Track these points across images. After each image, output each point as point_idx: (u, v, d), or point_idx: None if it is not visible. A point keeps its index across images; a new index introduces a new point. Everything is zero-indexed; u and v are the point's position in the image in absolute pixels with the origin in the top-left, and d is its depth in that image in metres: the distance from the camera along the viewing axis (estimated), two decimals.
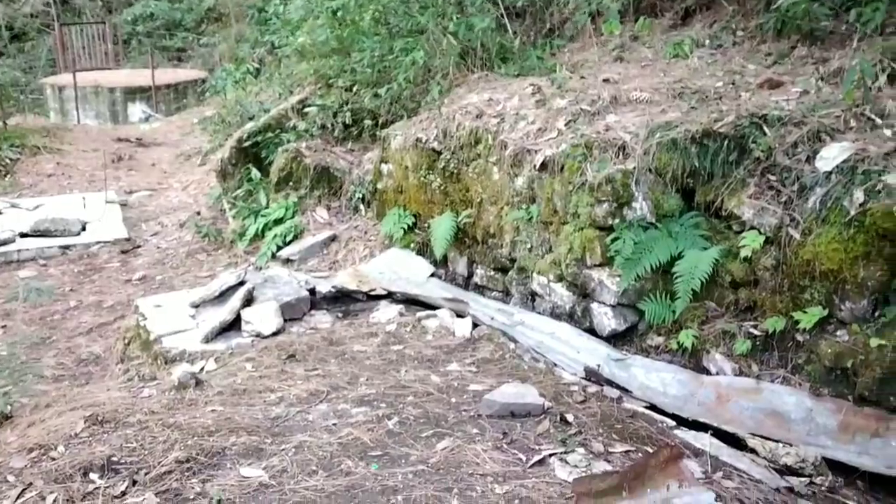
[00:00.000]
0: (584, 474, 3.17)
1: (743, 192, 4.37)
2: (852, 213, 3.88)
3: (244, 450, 3.51)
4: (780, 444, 3.55)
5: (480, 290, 5.92)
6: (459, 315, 5.29)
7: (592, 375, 4.29)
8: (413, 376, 4.34)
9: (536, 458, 3.34)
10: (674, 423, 3.74)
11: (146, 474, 3.33)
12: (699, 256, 4.37)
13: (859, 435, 3.66)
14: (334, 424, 3.74)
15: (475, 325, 5.10)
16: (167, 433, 3.68)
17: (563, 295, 5.03)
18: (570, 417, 3.70)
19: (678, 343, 4.44)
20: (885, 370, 3.74)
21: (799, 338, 4.11)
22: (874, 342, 3.78)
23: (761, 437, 3.65)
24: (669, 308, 4.54)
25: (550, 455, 3.37)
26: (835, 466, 3.52)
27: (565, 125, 5.22)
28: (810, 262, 4.02)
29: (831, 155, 4.15)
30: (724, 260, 4.38)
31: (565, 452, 3.39)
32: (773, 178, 4.31)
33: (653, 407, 3.98)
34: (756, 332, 4.24)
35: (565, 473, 3.22)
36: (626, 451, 3.44)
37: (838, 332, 3.99)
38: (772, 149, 4.34)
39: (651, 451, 3.41)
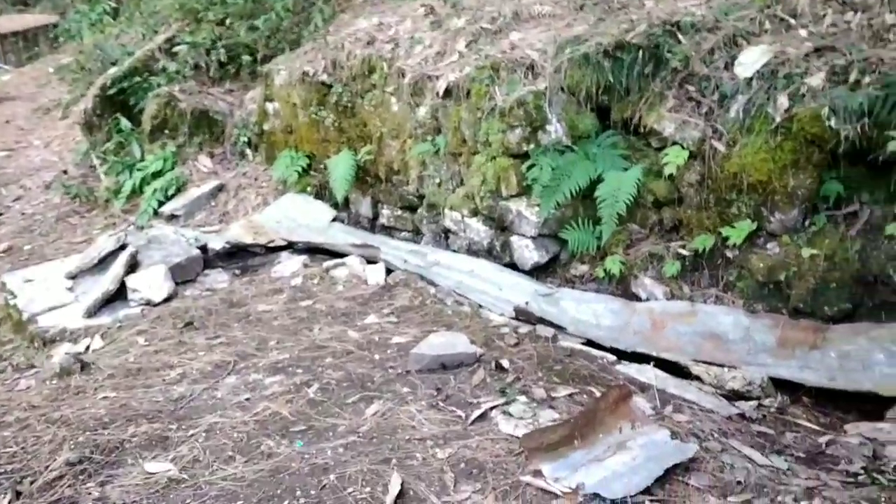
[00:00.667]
0: (532, 428, 2.91)
1: (662, 105, 4.13)
2: (778, 119, 3.70)
3: (146, 441, 3.07)
4: (726, 369, 3.41)
5: (388, 231, 5.55)
6: (370, 261, 4.91)
7: (522, 314, 4.03)
8: (328, 334, 3.97)
9: (476, 413, 3.06)
10: (614, 358, 3.53)
11: (32, 483, 2.85)
12: (621, 178, 4.13)
13: (798, 349, 3.56)
14: (247, 399, 3.34)
15: (389, 271, 4.75)
16: (53, 430, 3.18)
17: (479, 230, 4.72)
18: (505, 363, 3.42)
19: (605, 270, 4.23)
20: (818, 280, 3.63)
21: (729, 254, 3.96)
22: (806, 252, 3.66)
23: (705, 363, 3.49)
24: (593, 235, 4.32)
25: (491, 408, 3.08)
26: (780, 385, 3.41)
27: (466, 46, 4.84)
28: (737, 174, 3.84)
29: (750, 60, 3.95)
30: (645, 179, 4.16)
31: (506, 403, 3.11)
32: (691, 88, 4.09)
33: (590, 342, 3.76)
34: (685, 252, 4.07)
35: (510, 427, 2.95)
36: (570, 395, 3.20)
37: (769, 245, 3.86)
38: (688, 58, 4.10)
39: (597, 392, 3.19)
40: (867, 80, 3.55)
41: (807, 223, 3.77)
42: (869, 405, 3.29)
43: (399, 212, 5.43)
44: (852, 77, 3.59)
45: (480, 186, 4.56)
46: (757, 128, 3.78)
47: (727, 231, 3.91)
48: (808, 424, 3.15)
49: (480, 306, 4.23)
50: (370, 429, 3.02)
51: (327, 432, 3.03)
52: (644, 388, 3.26)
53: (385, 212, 5.54)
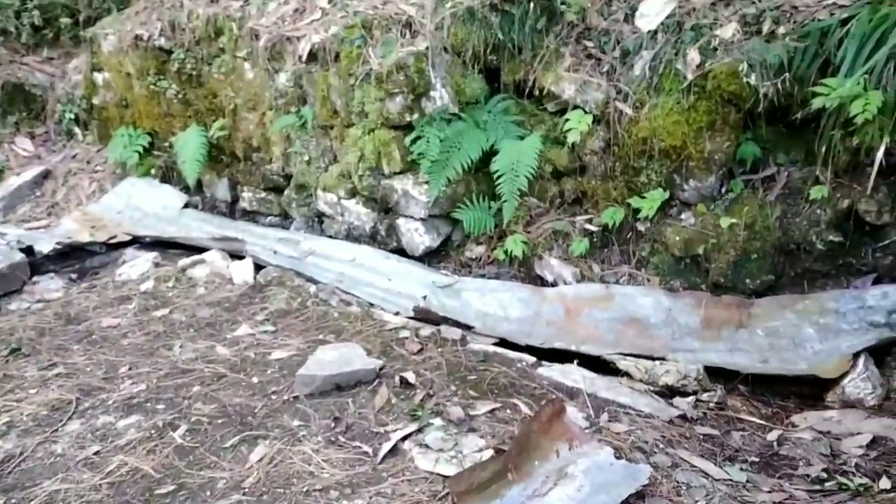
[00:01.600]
0: (455, 462, 2.44)
1: (558, 64, 3.69)
2: (690, 77, 3.34)
3: None
4: (657, 363, 3.05)
5: (252, 216, 4.87)
6: (235, 255, 4.25)
7: (421, 314, 3.52)
8: (192, 353, 3.32)
9: (387, 446, 2.54)
10: (534, 360, 3.09)
11: None
12: (518, 148, 3.68)
13: (724, 329, 3.26)
14: (96, 453, 2.67)
15: (258, 267, 4.10)
16: None
17: (359, 213, 4.15)
18: (410, 377, 2.92)
19: (505, 252, 3.79)
20: (738, 251, 3.35)
21: (640, 227, 3.62)
22: (725, 222, 3.36)
23: (632, 356, 3.12)
24: (489, 213, 3.86)
25: (403, 438, 2.58)
26: (713, 373, 3.09)
27: (329, 2, 4.21)
28: (647, 139, 3.47)
29: (652, 10, 3.57)
30: (543, 147, 3.73)
31: (420, 430, 2.62)
32: (590, 44, 3.67)
33: (503, 341, 3.30)
34: (592, 228, 3.70)
35: (429, 463, 2.46)
36: (492, 411, 2.74)
37: (683, 216, 3.54)
38: (584, 9, 3.68)
39: (521, 404, 2.75)
40: (782, 30, 3.25)
41: (723, 190, 3.46)
42: (806, 387, 3.04)
43: (263, 194, 4.77)
44: (766, 27, 3.28)
45: (358, 163, 3.99)
46: (667, 87, 3.41)
47: (637, 202, 3.56)
48: (752, 418, 2.85)
49: (371, 304, 3.68)
50: (258, 481, 2.45)
51: (203, 491, 2.43)
52: (572, 394, 2.85)
53: (246, 195, 4.86)
